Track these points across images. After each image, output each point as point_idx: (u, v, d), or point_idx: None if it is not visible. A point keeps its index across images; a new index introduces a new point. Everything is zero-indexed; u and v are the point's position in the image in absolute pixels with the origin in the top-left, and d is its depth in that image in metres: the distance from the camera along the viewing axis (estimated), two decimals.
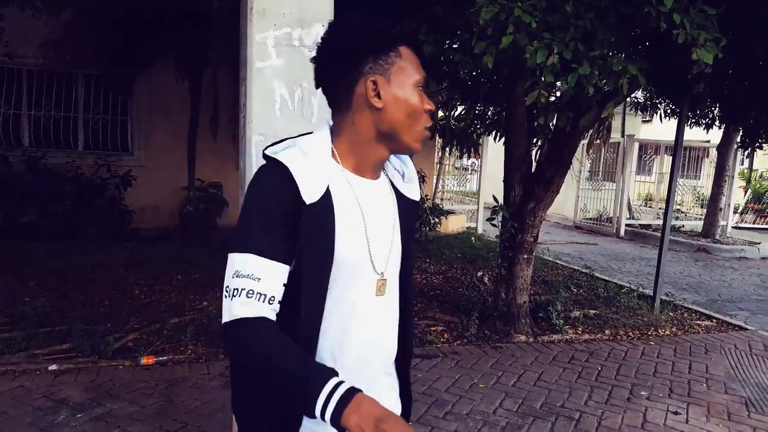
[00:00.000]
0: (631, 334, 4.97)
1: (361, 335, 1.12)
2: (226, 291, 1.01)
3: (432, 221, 8.90)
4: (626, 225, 11.38)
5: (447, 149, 9.95)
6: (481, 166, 10.70)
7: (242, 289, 0.99)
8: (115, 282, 5.39)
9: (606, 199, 11.90)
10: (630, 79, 2.47)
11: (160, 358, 3.78)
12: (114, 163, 7.61)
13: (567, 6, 2.38)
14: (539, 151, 5.54)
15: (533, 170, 4.89)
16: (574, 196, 12.44)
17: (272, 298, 1.01)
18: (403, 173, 1.22)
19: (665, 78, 3.55)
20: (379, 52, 1.06)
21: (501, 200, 4.87)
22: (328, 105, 1.13)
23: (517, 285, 4.81)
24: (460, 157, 10.80)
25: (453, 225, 9.98)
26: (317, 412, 0.91)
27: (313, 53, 2.49)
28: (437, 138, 9.16)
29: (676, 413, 3.54)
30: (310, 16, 2.22)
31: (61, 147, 7.87)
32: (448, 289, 6.05)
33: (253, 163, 2.21)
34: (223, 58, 6.58)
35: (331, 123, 1.13)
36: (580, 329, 4.96)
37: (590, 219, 12.27)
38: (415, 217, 1.26)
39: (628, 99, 9.31)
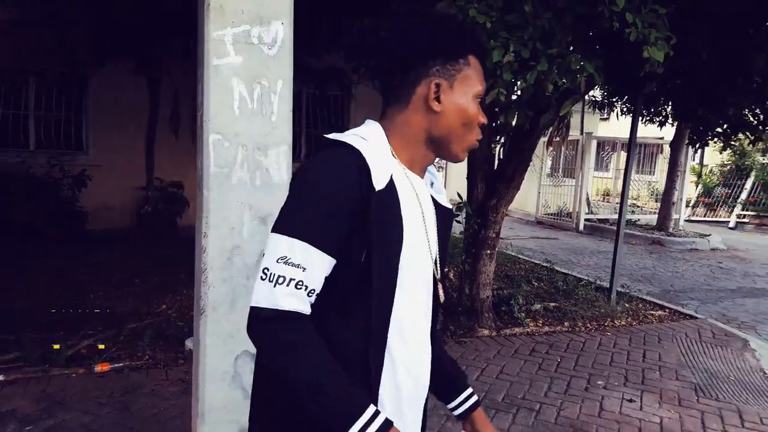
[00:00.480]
0: (588, 325, 5.11)
1: (418, 349, 1.08)
2: (265, 273, 0.94)
3: None
4: (585, 220, 11.68)
5: None
6: (447, 163, 10.81)
7: (290, 279, 0.93)
8: (69, 286, 5.21)
9: (566, 195, 12.19)
10: (587, 78, 2.54)
11: (116, 365, 3.66)
12: (68, 162, 7.35)
13: (525, 5, 2.43)
14: (501, 149, 5.64)
15: (495, 167, 4.97)
16: (536, 193, 12.69)
17: (313, 291, 0.96)
18: (432, 183, 1.19)
19: (619, 77, 3.65)
20: (450, 56, 1.03)
21: (465, 197, 4.93)
22: (382, 96, 1.10)
23: (480, 280, 4.88)
24: None
25: None
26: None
27: (273, 51, 2.45)
28: None
29: (630, 401, 3.66)
30: (269, 13, 2.19)
31: (11, 146, 7.56)
32: None
33: (211, 163, 2.17)
34: (184, 54, 6.44)
35: (373, 121, 1.08)
36: (540, 322, 5.06)
37: (551, 214, 12.56)
38: (451, 227, 1.22)
39: (586, 97, 9.53)
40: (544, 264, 7.22)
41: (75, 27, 6.22)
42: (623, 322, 5.26)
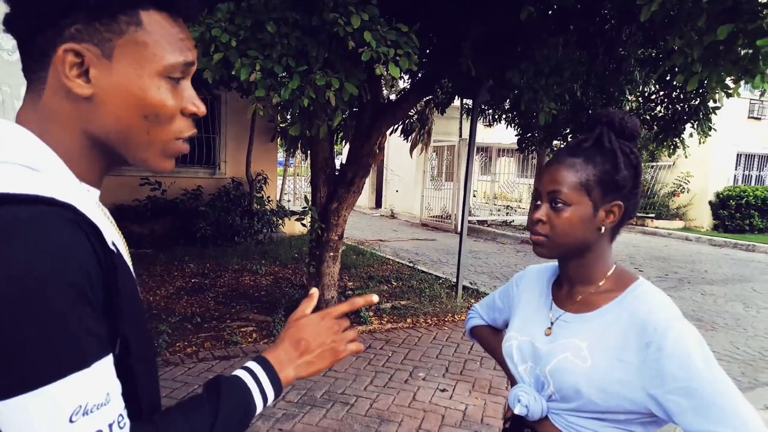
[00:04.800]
0: (429, 321, 5.40)
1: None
2: None
3: (275, 222, 8.97)
4: None
5: (291, 151, 10.06)
6: None
7: (109, 425, 0.61)
8: None
9: (447, 198, 12.72)
10: (336, 92, 2.73)
11: None
12: None
13: (268, 26, 2.57)
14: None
15: (337, 172, 5.15)
16: (420, 196, 13.15)
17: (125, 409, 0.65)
18: None
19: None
20: (99, 10, 0.65)
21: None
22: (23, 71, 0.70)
23: (325, 282, 5.04)
24: (305, 160, 10.98)
25: (300, 226, 10.10)
26: (260, 406, 0.80)
27: (14, 57, 2.48)
28: (278, 140, 9.26)
29: (443, 390, 3.93)
30: None
31: None
32: (274, 290, 6.15)
33: None
34: None
35: (18, 105, 0.71)
36: (385, 319, 5.29)
37: (434, 216, 13.06)
38: None
39: (463, 102, 9.99)
40: (408, 264, 7.53)
41: None
42: (463, 317, 5.60)
